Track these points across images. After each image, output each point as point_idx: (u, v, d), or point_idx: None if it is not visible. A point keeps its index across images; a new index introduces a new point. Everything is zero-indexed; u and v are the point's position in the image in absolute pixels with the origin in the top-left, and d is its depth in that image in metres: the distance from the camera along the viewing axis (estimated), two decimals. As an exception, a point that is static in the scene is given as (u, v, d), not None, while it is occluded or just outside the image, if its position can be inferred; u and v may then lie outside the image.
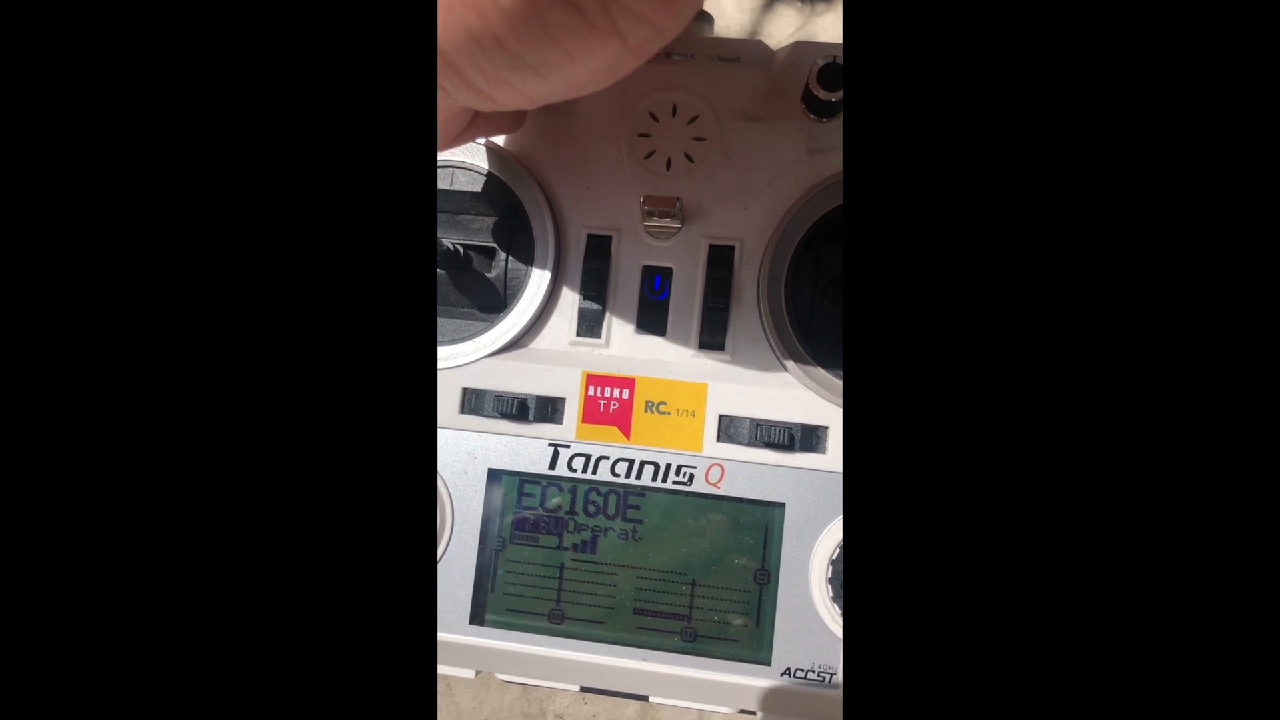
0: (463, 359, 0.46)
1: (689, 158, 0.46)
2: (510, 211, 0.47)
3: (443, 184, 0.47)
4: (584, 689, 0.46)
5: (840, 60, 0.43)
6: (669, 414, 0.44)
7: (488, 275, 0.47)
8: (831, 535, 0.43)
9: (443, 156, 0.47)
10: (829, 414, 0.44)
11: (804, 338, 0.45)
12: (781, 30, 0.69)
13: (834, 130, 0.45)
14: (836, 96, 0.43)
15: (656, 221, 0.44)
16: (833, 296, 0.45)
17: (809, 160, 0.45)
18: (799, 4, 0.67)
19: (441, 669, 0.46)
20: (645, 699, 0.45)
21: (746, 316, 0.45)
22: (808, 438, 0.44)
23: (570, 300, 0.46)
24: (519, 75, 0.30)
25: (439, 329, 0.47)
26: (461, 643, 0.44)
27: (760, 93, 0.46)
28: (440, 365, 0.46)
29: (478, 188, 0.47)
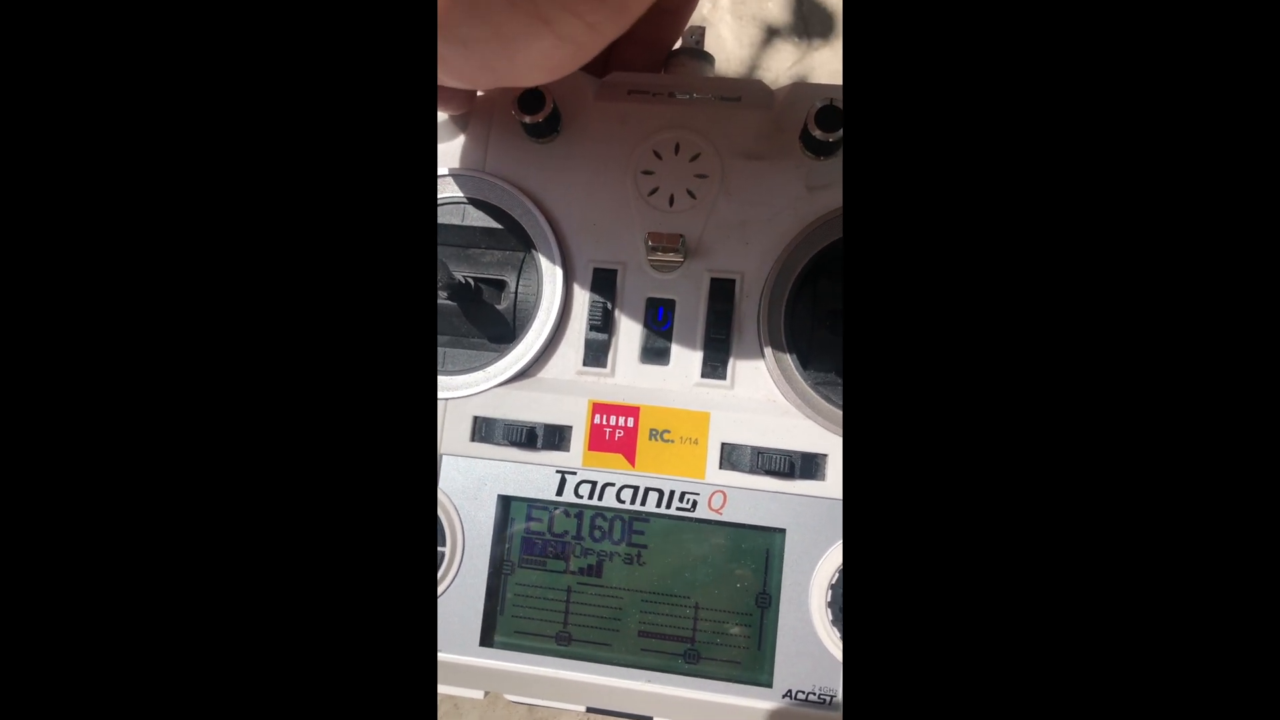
0: (473, 388, 0.47)
1: (691, 194, 0.48)
2: (520, 246, 0.49)
3: (454, 219, 0.49)
4: (590, 710, 0.47)
5: (837, 102, 0.45)
6: (672, 442, 0.46)
7: (498, 307, 0.49)
8: (831, 560, 0.44)
9: (454, 193, 0.49)
10: (828, 442, 0.45)
11: (803, 367, 0.46)
12: (780, 64, 0.71)
13: (831, 168, 0.47)
14: (834, 136, 0.45)
15: (660, 256, 0.46)
16: (831, 327, 0.47)
17: (807, 197, 0.47)
18: (796, 40, 0.69)
19: (451, 689, 0.48)
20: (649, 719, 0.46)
21: (747, 347, 0.47)
22: (807, 465, 0.45)
23: (577, 331, 0.48)
24: (449, 48, 0.32)
25: (451, 359, 0.49)
26: (471, 664, 0.45)
27: (760, 131, 0.48)
28: (452, 394, 0.48)
29: (489, 223, 0.49)
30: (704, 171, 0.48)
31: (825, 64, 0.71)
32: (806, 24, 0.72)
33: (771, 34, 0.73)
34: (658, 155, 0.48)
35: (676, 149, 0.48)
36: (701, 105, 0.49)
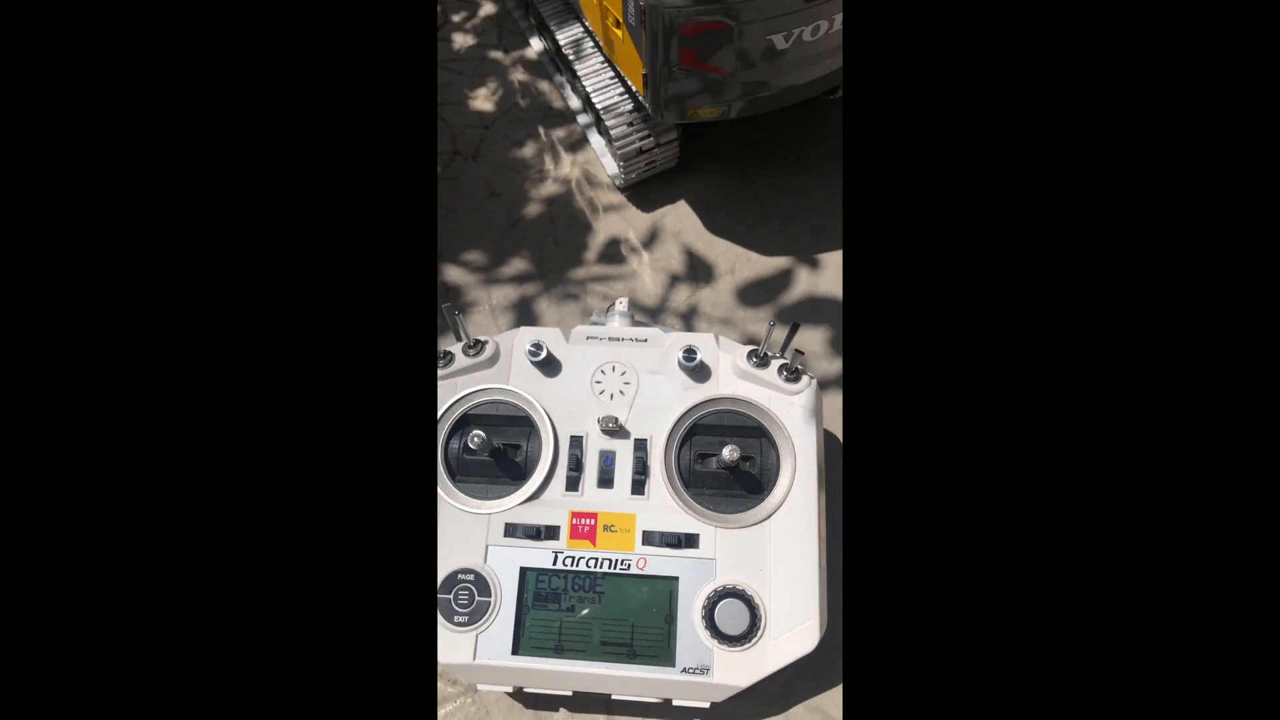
0: (505, 507, 0.85)
1: (623, 393, 0.88)
2: (528, 424, 0.88)
3: (492, 410, 0.89)
4: (575, 693, 0.80)
5: (694, 346, 0.87)
6: (615, 531, 0.83)
7: (516, 460, 0.87)
8: (703, 594, 0.80)
9: (494, 397, 0.89)
10: (701, 526, 0.83)
11: (685, 487, 0.85)
12: (680, 299, 1.16)
13: (698, 375, 0.88)
14: (693, 364, 0.86)
15: (607, 427, 0.86)
16: (700, 463, 0.86)
17: (683, 394, 0.88)
18: (689, 284, 1.14)
19: (490, 687, 0.81)
20: (608, 695, 0.80)
21: (656, 477, 0.85)
22: (690, 540, 0.82)
23: (561, 472, 0.86)
24: None
25: (492, 491, 0.86)
26: (505, 665, 0.79)
27: (657, 358, 0.89)
28: (493, 511, 0.85)
29: (514, 412, 0.88)
30: (629, 380, 0.89)
31: (708, 298, 1.16)
32: (696, 273, 1.18)
33: (674, 279, 1.18)
34: (603, 372, 0.89)
35: (614, 368, 0.89)
36: (626, 345, 0.90)
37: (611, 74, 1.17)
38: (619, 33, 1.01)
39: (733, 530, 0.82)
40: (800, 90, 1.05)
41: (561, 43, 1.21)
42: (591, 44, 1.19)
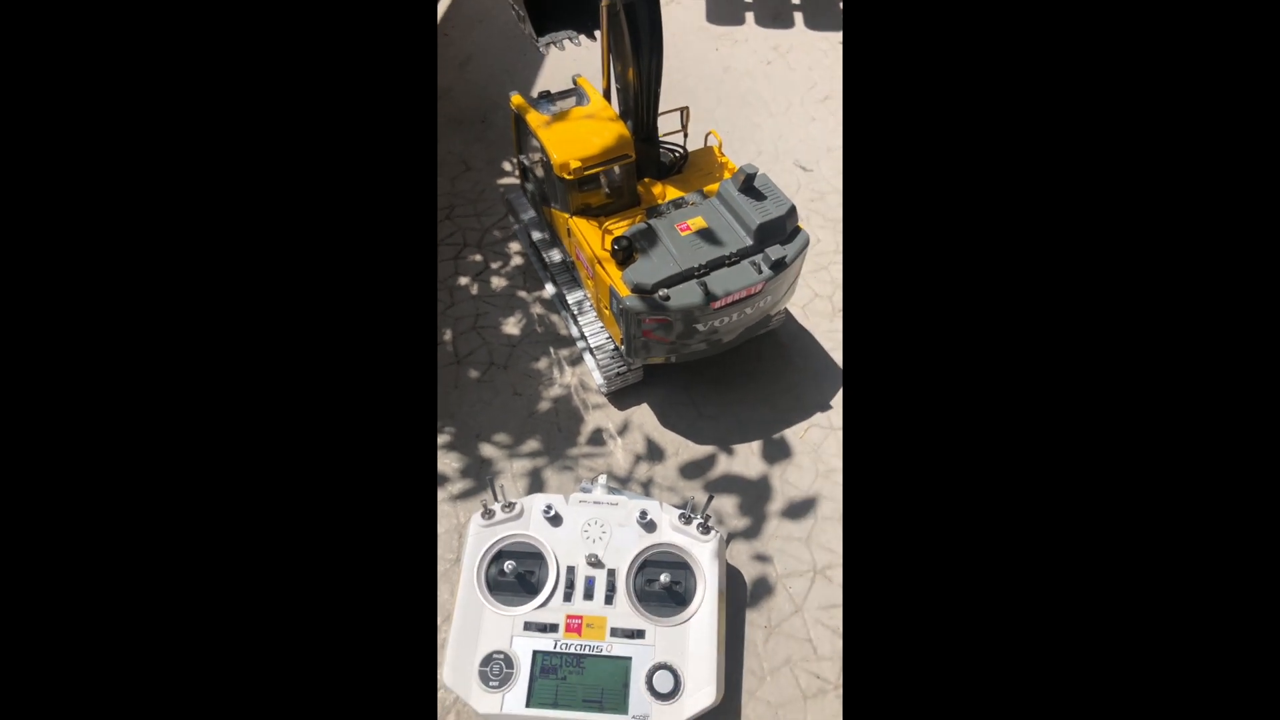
0: (524, 611, 1.35)
1: (601, 538, 1.41)
2: (540, 558, 1.40)
3: (510, 545, 1.41)
4: (564, 734, 1.27)
5: (647, 511, 1.41)
6: (594, 627, 1.33)
7: (532, 581, 1.38)
8: (646, 667, 1.29)
9: (514, 541, 1.41)
10: (647, 624, 1.33)
11: (639, 600, 1.36)
12: (641, 470, 1.72)
13: (648, 529, 1.42)
14: (647, 521, 1.40)
15: (590, 561, 1.38)
16: (649, 584, 1.37)
17: (639, 540, 1.41)
18: (648, 462, 1.72)
19: (512, 730, 1.28)
20: (586, 736, 1.27)
21: (620, 593, 1.37)
22: (639, 633, 1.33)
23: (560, 589, 1.37)
24: None
25: (515, 602, 1.36)
26: (522, 714, 1.26)
27: (624, 515, 1.44)
28: (515, 614, 1.35)
29: (529, 550, 1.41)
30: (606, 530, 1.42)
31: (660, 472, 1.73)
32: (653, 454, 1.76)
33: (638, 458, 1.75)
34: (589, 524, 1.43)
35: (596, 522, 1.43)
36: (605, 507, 1.45)
37: (601, 325, 1.80)
38: (607, 312, 1.65)
39: (666, 628, 1.33)
40: (724, 345, 1.68)
41: (570, 301, 1.85)
42: (589, 304, 1.84)
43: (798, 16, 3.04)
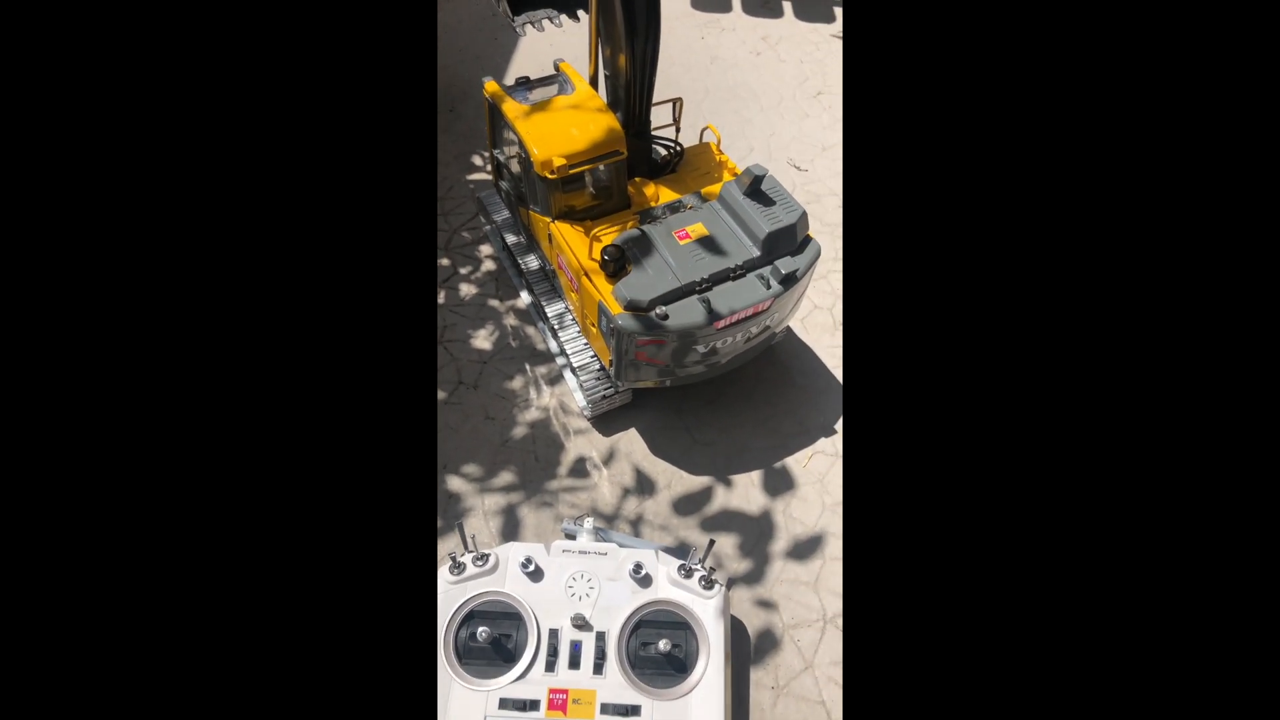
0: (498, 685, 1.16)
1: (589, 594, 1.23)
2: (518, 619, 1.21)
3: (483, 605, 1.21)
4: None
5: (642, 564, 1.23)
6: (581, 704, 1.15)
7: (508, 646, 1.19)
8: (644, 751, 1.12)
9: (492, 600, 1.22)
10: (642, 699, 1.15)
11: (632, 668, 1.18)
12: (630, 506, 1.54)
13: (643, 584, 1.24)
14: (641, 575, 1.22)
15: (576, 623, 1.19)
16: (644, 648, 1.19)
17: (633, 597, 1.23)
18: (637, 496, 1.53)
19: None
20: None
21: (611, 661, 1.18)
22: (634, 710, 1.14)
23: (542, 656, 1.18)
24: None
25: (491, 673, 1.17)
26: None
27: (614, 567, 1.25)
28: (489, 689, 1.15)
29: (507, 611, 1.21)
30: (594, 586, 1.24)
31: (651, 508, 1.54)
32: (642, 487, 1.57)
33: (626, 492, 1.56)
34: (574, 579, 1.24)
35: (582, 576, 1.24)
36: (592, 557, 1.26)
37: (585, 343, 1.60)
38: (594, 329, 1.45)
39: (664, 701, 1.15)
40: (722, 367, 1.50)
41: (549, 314, 1.65)
42: (571, 318, 1.64)
43: (786, 7, 2.87)
